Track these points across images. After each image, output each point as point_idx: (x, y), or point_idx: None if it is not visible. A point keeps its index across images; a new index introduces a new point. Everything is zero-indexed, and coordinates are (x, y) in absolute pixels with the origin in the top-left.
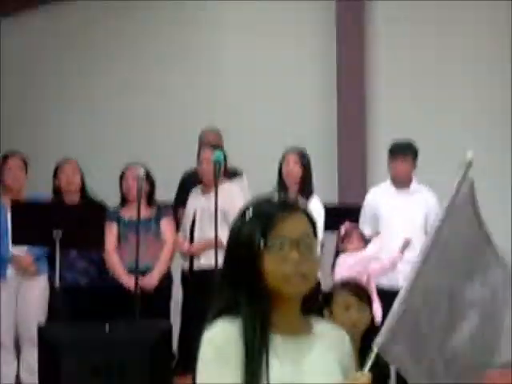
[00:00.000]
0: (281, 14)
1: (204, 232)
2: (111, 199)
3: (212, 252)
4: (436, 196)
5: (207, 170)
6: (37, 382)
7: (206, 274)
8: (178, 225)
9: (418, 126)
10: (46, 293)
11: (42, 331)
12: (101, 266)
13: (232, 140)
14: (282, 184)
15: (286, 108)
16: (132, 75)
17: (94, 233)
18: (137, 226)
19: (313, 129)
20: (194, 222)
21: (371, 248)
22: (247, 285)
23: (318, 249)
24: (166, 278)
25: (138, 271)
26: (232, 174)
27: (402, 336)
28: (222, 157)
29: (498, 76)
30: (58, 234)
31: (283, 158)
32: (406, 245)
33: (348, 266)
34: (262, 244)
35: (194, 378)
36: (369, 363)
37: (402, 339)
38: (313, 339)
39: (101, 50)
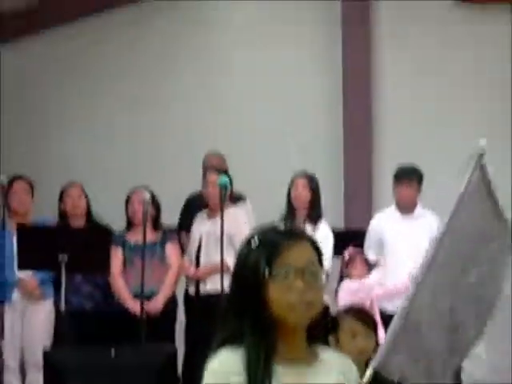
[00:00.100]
0: (283, 27)
1: (210, 256)
2: (117, 223)
3: (218, 276)
4: (440, 220)
5: (213, 194)
6: None
7: (211, 298)
8: (182, 248)
9: (423, 150)
10: (52, 317)
11: (47, 355)
12: (106, 290)
13: (237, 162)
14: (290, 208)
15: (292, 133)
16: (135, 97)
17: (99, 257)
18: (142, 250)
19: (319, 154)
20: (199, 246)
21: (374, 275)
22: (252, 313)
23: (324, 277)
24: (171, 302)
25: (143, 295)
26: (236, 199)
27: (404, 346)
28: (228, 181)
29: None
30: (63, 258)
31: (292, 181)
32: None
33: (351, 292)
34: (266, 272)
35: None
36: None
37: (404, 348)
38: (318, 368)
39: (101, 74)
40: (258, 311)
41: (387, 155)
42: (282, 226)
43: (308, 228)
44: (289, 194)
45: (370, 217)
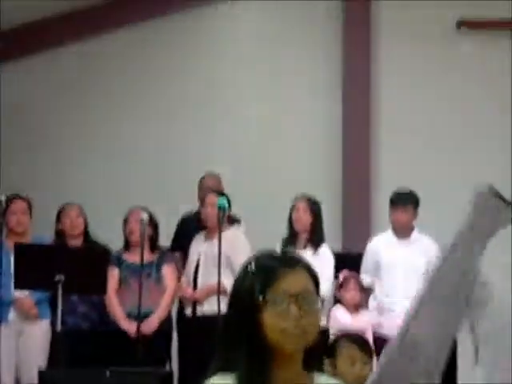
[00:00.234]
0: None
1: (207, 278)
2: (115, 243)
3: (215, 298)
4: (437, 245)
5: (211, 215)
6: None
7: (208, 319)
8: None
9: (423, 174)
10: (48, 337)
11: (42, 375)
12: (102, 309)
13: (234, 184)
14: (291, 231)
15: (290, 156)
16: (134, 118)
17: (97, 277)
18: (139, 270)
19: (317, 177)
20: (197, 267)
21: (367, 315)
22: (247, 338)
23: (320, 304)
24: (167, 323)
25: (140, 316)
26: (231, 221)
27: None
28: (227, 202)
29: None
30: (60, 278)
31: (293, 205)
32: None
33: (343, 326)
34: (261, 298)
35: None
36: None
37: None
38: None
39: (100, 93)
40: (252, 336)
41: (386, 179)
42: (279, 252)
43: (309, 252)
44: (290, 217)
45: (368, 240)
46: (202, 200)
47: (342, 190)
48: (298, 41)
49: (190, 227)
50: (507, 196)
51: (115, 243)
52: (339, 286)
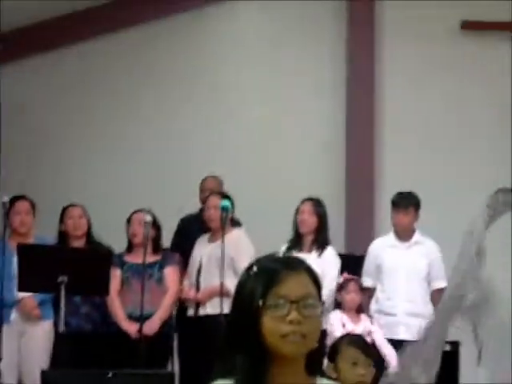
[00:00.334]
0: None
1: (210, 279)
2: (117, 244)
3: (218, 300)
4: (438, 247)
5: (215, 217)
6: None
7: (210, 321)
8: None
9: (427, 176)
10: (51, 338)
11: (44, 376)
12: (104, 311)
13: (236, 192)
14: (296, 233)
15: (294, 157)
16: (137, 121)
17: (99, 279)
18: (141, 271)
19: (320, 179)
20: (200, 269)
21: (364, 325)
22: (247, 343)
23: (321, 309)
24: (168, 325)
25: (142, 317)
26: (234, 223)
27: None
28: (230, 204)
29: None
30: (63, 279)
31: (298, 206)
32: None
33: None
34: (261, 303)
35: None
36: None
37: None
38: None
39: (102, 95)
40: (252, 340)
41: (390, 180)
42: (282, 255)
43: (314, 254)
44: (295, 220)
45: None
46: (203, 202)
47: (345, 191)
48: (302, 41)
49: (190, 229)
50: None
51: (118, 244)
52: (339, 289)
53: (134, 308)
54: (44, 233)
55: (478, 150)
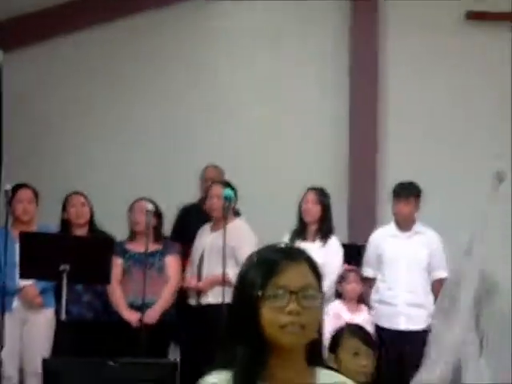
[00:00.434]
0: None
1: (212, 268)
2: (120, 233)
3: (219, 289)
4: (439, 237)
5: (217, 206)
6: None
7: (212, 309)
8: None
9: (429, 167)
10: (52, 326)
11: (46, 364)
12: (106, 299)
13: (240, 183)
14: (301, 223)
15: (297, 148)
16: (138, 108)
17: (101, 267)
18: (142, 260)
19: (323, 169)
20: (201, 258)
21: (362, 316)
22: (246, 333)
23: (321, 300)
24: (170, 314)
25: (144, 306)
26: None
27: None
28: (233, 193)
29: None
30: (65, 267)
31: (303, 196)
32: None
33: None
34: (260, 293)
35: None
36: None
37: None
38: None
39: (104, 83)
40: (251, 330)
41: (393, 170)
42: (283, 246)
43: (318, 243)
44: (300, 209)
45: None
46: (203, 191)
47: (348, 181)
48: (305, 31)
49: (190, 218)
50: None
51: (120, 233)
52: (340, 279)
53: (135, 297)
54: (47, 221)
55: (481, 141)
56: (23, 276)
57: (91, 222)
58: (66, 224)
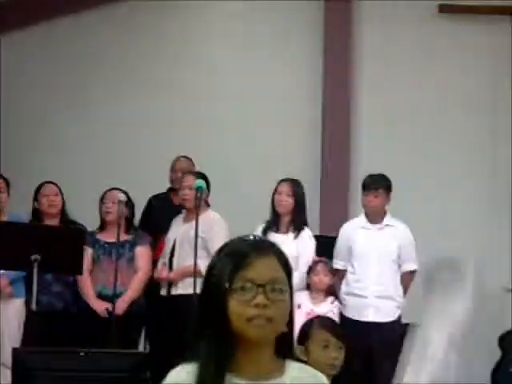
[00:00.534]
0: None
1: (183, 259)
2: (93, 223)
3: (190, 280)
4: (409, 229)
5: (189, 197)
6: None
7: (183, 299)
8: None
9: (401, 161)
10: (22, 315)
11: (16, 353)
12: (76, 289)
13: (213, 173)
14: (274, 214)
15: (270, 142)
16: (112, 98)
17: (72, 257)
18: (112, 250)
19: (296, 162)
20: (173, 249)
21: (326, 307)
22: (213, 325)
23: (290, 292)
24: (138, 304)
25: (113, 296)
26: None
27: None
28: (205, 184)
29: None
30: (36, 257)
31: (276, 187)
32: None
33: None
34: (227, 285)
35: None
36: None
37: None
38: None
39: (73, 74)
40: (219, 323)
41: (365, 164)
42: (253, 238)
43: (290, 235)
44: (273, 200)
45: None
46: (173, 181)
47: (320, 173)
48: (278, 34)
49: (158, 208)
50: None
51: (91, 223)
52: (309, 270)
53: (104, 287)
54: (20, 211)
55: (454, 136)
56: None
57: (63, 212)
58: (37, 213)
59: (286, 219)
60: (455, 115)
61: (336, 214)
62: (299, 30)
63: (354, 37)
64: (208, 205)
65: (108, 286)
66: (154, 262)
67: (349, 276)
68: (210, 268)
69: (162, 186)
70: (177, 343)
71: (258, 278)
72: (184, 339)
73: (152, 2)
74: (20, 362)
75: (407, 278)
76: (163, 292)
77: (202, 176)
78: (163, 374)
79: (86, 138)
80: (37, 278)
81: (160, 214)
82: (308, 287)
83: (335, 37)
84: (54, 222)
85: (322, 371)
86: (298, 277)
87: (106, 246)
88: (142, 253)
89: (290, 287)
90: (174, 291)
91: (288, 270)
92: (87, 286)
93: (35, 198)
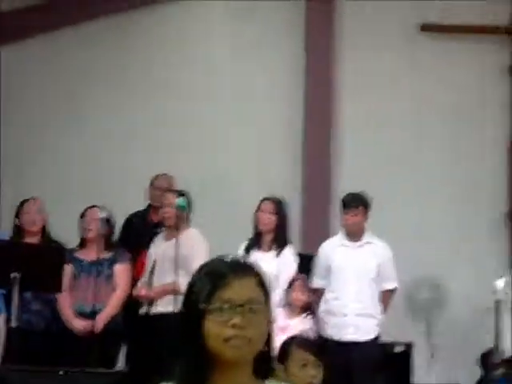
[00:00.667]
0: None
1: (163, 277)
2: (75, 240)
3: (170, 298)
4: (389, 247)
5: (170, 215)
6: None
7: (162, 318)
8: None
9: (382, 177)
10: (2, 333)
11: None
12: (55, 306)
13: (196, 192)
14: (256, 232)
15: (250, 159)
16: (90, 113)
17: (52, 275)
18: (91, 268)
19: (277, 180)
20: (153, 267)
21: (296, 321)
22: (191, 345)
23: (269, 313)
24: (115, 323)
25: (91, 314)
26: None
27: None
28: (186, 203)
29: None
30: (15, 275)
31: (258, 205)
32: None
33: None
34: (204, 306)
35: None
36: None
37: None
38: None
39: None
40: (196, 342)
41: (346, 181)
42: (232, 258)
43: (272, 253)
44: (255, 218)
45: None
46: (152, 199)
47: (301, 191)
48: (259, 40)
49: (136, 226)
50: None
51: (72, 240)
52: (288, 287)
53: (82, 305)
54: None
55: (434, 151)
56: None
57: (44, 230)
58: (18, 230)
59: (268, 237)
60: (434, 132)
61: (317, 232)
62: (280, 31)
63: (335, 54)
64: (189, 222)
65: (86, 304)
66: (134, 280)
67: (327, 294)
68: (190, 287)
69: (142, 203)
70: (156, 362)
71: (236, 299)
72: (163, 358)
73: None
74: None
75: (387, 296)
76: (143, 310)
77: (184, 194)
78: None
79: (66, 154)
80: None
81: (138, 232)
82: (288, 304)
83: (316, 38)
84: (34, 239)
85: None
86: (279, 294)
87: (86, 263)
88: (121, 270)
89: (269, 308)
90: (154, 309)
91: (266, 291)
92: (64, 304)
93: (17, 215)
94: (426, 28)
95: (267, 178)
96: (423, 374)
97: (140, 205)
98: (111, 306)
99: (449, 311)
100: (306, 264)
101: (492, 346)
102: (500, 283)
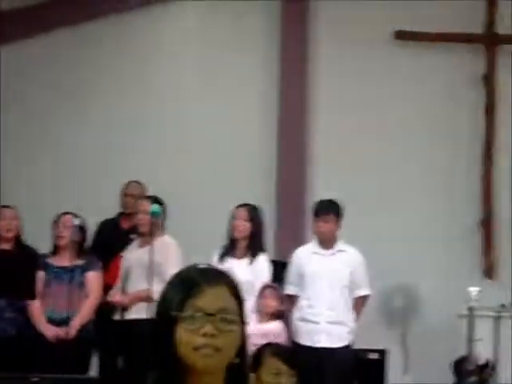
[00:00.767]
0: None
1: (137, 284)
2: (45, 247)
3: (143, 305)
4: (361, 255)
5: (144, 222)
6: None
7: (135, 323)
8: None
9: (360, 182)
10: None
11: None
12: (28, 314)
13: (170, 197)
14: (230, 239)
15: (224, 165)
16: (66, 118)
17: (26, 282)
18: (62, 275)
19: (251, 187)
20: (127, 273)
21: (273, 326)
22: (162, 353)
23: (241, 322)
24: (87, 330)
25: (60, 321)
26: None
27: None
28: (160, 209)
29: None
30: None
31: (233, 212)
32: None
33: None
34: (177, 314)
35: None
36: None
37: None
38: None
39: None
40: (167, 351)
41: (321, 187)
42: (205, 267)
43: (246, 260)
44: (229, 225)
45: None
46: (124, 206)
47: (275, 198)
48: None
49: (107, 233)
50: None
51: (45, 246)
52: (258, 296)
53: (53, 311)
54: None
55: (411, 158)
56: None
57: (18, 237)
58: None
59: (242, 244)
60: (411, 139)
61: (291, 239)
62: (254, 40)
63: (310, 62)
64: (163, 229)
65: (58, 311)
66: (105, 287)
67: (301, 302)
68: (163, 294)
69: (114, 210)
70: (129, 368)
71: (208, 308)
72: (136, 365)
73: None
74: None
75: (359, 303)
76: (117, 316)
77: (158, 201)
78: None
79: (41, 160)
80: None
81: (109, 239)
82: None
83: (291, 43)
84: (7, 246)
85: None
86: (251, 302)
87: (57, 270)
88: (93, 278)
89: (242, 318)
90: (128, 316)
91: (240, 300)
92: (35, 310)
93: None
94: (400, 36)
95: (241, 185)
96: (397, 381)
97: (115, 209)
98: (83, 314)
99: (422, 318)
100: (279, 271)
101: (465, 353)
102: (473, 290)
